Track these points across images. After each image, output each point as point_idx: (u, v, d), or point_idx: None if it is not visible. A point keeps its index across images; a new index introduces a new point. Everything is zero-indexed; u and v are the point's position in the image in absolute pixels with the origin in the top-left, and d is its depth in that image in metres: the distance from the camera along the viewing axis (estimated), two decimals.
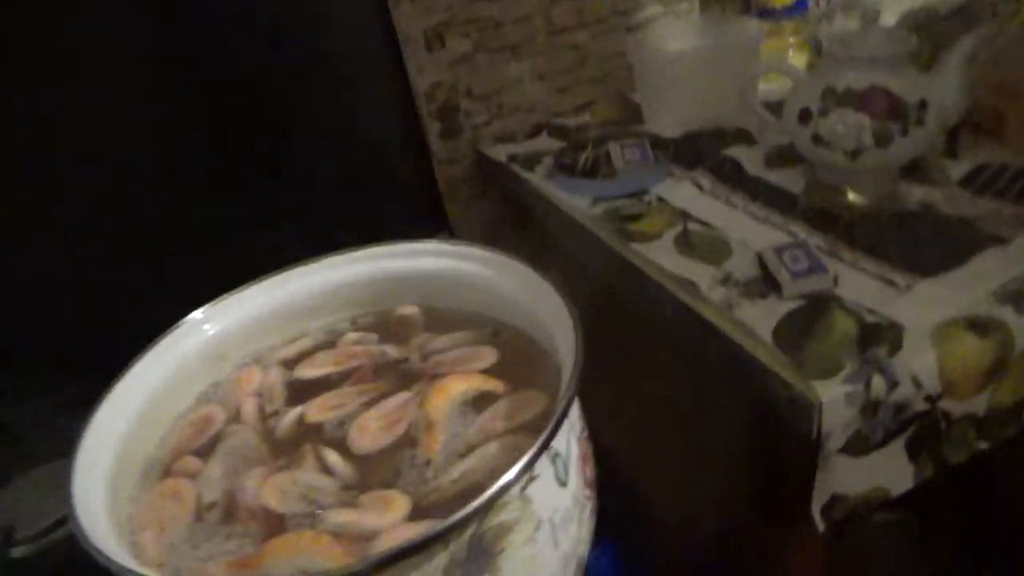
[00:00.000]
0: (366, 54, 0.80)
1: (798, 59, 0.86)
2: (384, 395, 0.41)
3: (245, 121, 0.76)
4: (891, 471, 0.53)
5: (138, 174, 0.71)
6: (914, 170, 0.68)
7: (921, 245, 0.59)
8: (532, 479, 0.32)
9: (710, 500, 0.65)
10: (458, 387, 0.39)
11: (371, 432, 0.39)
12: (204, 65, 0.73)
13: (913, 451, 0.53)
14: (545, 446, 0.31)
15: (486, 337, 0.43)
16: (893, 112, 0.62)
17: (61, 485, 0.59)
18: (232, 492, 0.37)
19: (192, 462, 0.39)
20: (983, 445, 0.56)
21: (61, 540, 0.56)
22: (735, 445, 0.61)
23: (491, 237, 0.97)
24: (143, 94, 0.71)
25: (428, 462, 0.36)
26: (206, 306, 0.43)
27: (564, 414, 0.32)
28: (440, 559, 0.29)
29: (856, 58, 0.64)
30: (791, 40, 0.87)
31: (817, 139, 0.65)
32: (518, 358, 0.41)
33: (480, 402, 0.39)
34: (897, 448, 0.53)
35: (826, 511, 0.53)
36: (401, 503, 0.33)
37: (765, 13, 0.90)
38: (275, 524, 0.35)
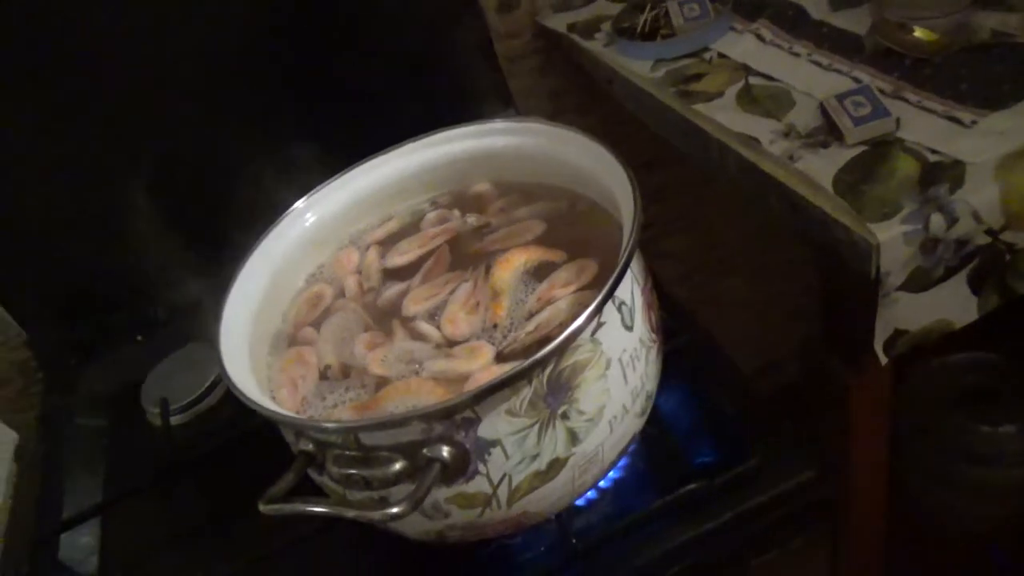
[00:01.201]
0: None
1: None
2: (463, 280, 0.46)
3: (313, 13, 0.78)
4: (954, 304, 0.55)
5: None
6: None
7: (991, 77, 0.58)
8: (601, 325, 0.36)
9: (782, 346, 0.69)
10: (519, 259, 0.43)
11: (460, 321, 0.43)
12: None
13: (976, 284, 0.55)
14: (608, 297, 0.35)
15: (553, 207, 0.47)
16: None
17: (202, 363, 0.69)
18: (344, 357, 0.44)
19: (310, 332, 0.46)
20: None
21: (207, 409, 0.66)
22: (803, 292, 0.63)
23: (557, 110, 0.98)
24: None
25: (495, 326, 0.41)
26: (305, 197, 0.48)
27: (626, 266, 0.36)
28: (525, 393, 0.35)
29: None
30: None
31: None
32: (579, 226, 0.45)
33: (541, 271, 0.43)
34: (959, 282, 0.55)
35: (889, 346, 0.56)
36: (487, 351, 0.39)
37: None
38: (384, 380, 0.41)
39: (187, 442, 0.62)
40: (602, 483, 0.45)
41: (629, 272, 0.38)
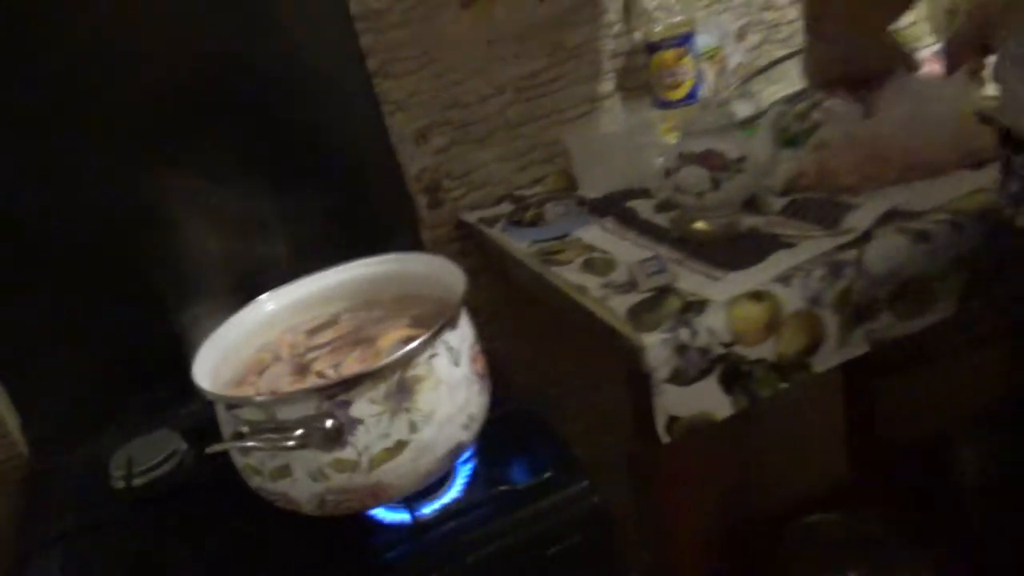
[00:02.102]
0: (367, 150, 1.12)
1: (675, 137, 1.16)
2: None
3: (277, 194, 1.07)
4: (712, 399, 0.79)
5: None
6: (751, 205, 0.96)
7: (740, 253, 0.87)
8: (434, 355, 0.60)
9: (601, 427, 0.91)
10: (396, 335, 0.67)
11: (351, 368, 0.66)
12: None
13: (726, 385, 0.80)
14: (433, 338, 0.59)
15: (424, 307, 0.72)
16: (721, 165, 0.91)
17: (164, 442, 0.88)
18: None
19: (253, 378, 0.68)
20: (784, 385, 0.82)
21: (168, 472, 0.84)
22: (617, 383, 0.87)
23: (471, 284, 1.26)
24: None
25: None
26: (268, 292, 0.73)
27: (448, 321, 0.60)
28: (381, 388, 0.57)
29: (696, 131, 0.94)
30: (675, 124, 1.17)
31: (676, 187, 0.94)
32: (436, 316, 0.69)
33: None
34: (713, 382, 0.79)
35: (668, 429, 0.79)
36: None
37: (665, 104, 1.21)
38: None
39: (146, 492, 0.81)
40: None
41: (458, 331, 0.62)
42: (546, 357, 1.26)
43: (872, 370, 1.49)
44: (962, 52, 0.95)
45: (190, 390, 0.61)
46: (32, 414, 0.96)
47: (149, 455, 0.85)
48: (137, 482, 0.83)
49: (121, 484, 0.83)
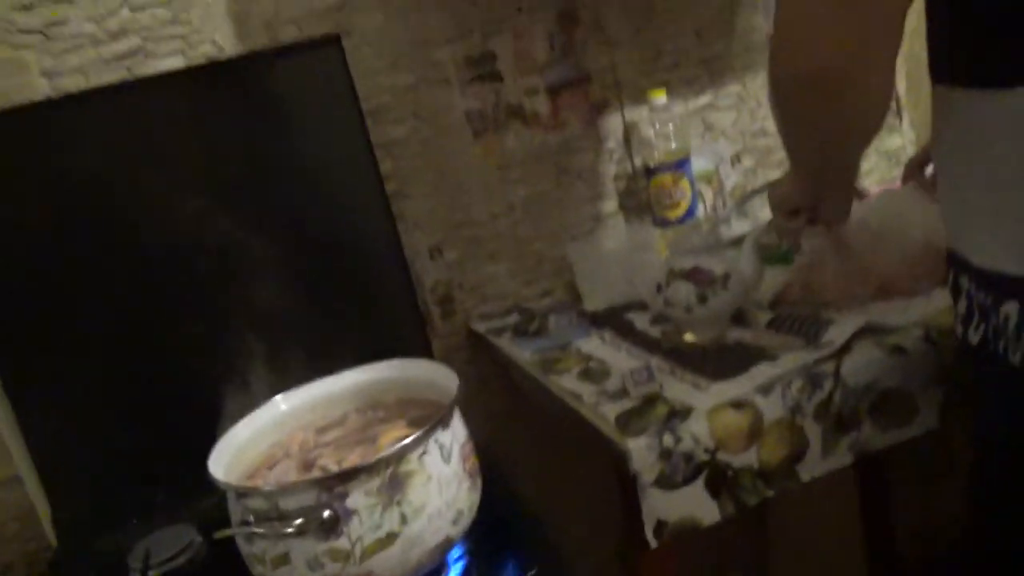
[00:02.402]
0: (384, 264, 1.21)
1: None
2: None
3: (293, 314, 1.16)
4: (699, 505, 0.83)
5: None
6: (739, 319, 1.02)
7: (725, 364, 0.92)
8: (425, 452, 0.65)
9: (597, 530, 0.94)
10: (395, 433, 0.73)
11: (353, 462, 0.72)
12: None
13: (713, 491, 0.83)
14: (426, 437, 0.65)
15: (423, 409, 0.78)
16: (707, 281, 0.98)
17: (180, 535, 0.93)
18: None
19: (265, 472, 0.74)
20: (770, 492, 0.85)
21: (182, 564, 0.89)
22: (610, 487, 0.91)
23: (481, 391, 1.32)
24: None
25: None
26: (283, 393, 0.80)
27: (440, 421, 0.66)
28: (375, 482, 0.62)
29: (685, 248, 1.01)
30: (672, 241, 1.26)
31: (666, 302, 1.01)
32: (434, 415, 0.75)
33: None
34: (699, 487, 0.83)
35: (657, 533, 0.82)
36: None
37: (664, 223, 1.29)
38: None
39: None
40: None
41: (449, 430, 0.68)
42: (549, 461, 1.30)
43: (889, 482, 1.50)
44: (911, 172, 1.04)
45: (209, 484, 0.67)
46: (62, 505, 1.02)
47: (166, 548, 0.90)
48: (153, 574, 0.88)
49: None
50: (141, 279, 1.07)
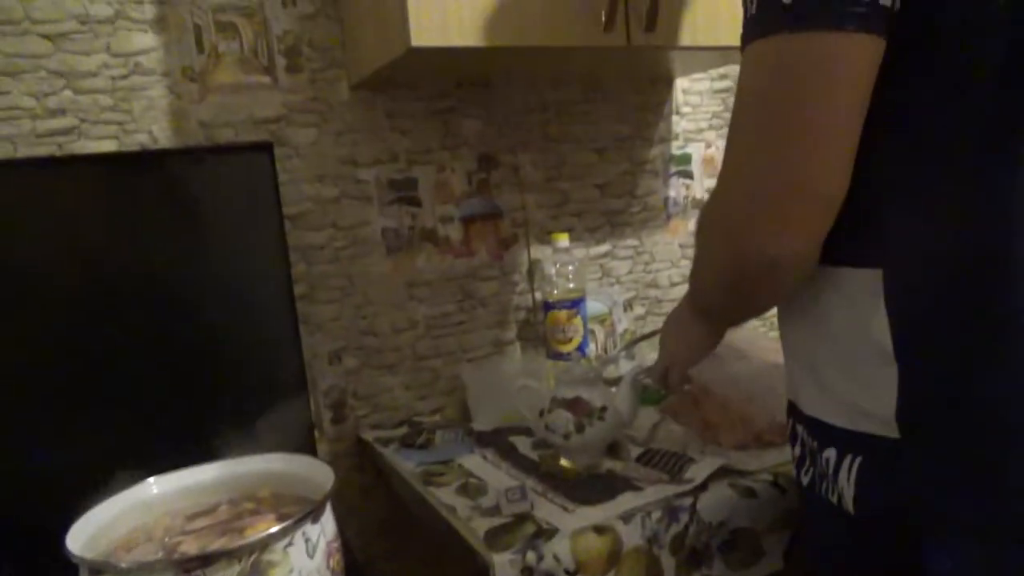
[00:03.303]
0: (281, 364, 1.23)
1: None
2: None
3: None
4: None
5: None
6: (613, 450, 1.09)
7: (595, 490, 0.98)
8: (291, 543, 0.67)
9: None
10: (263, 527, 0.74)
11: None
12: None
13: None
14: (295, 526, 0.66)
15: (296, 504, 0.80)
16: (586, 412, 1.05)
17: None
18: None
19: (123, 554, 0.73)
20: None
21: None
22: None
23: (364, 498, 1.32)
24: None
25: None
26: (155, 476, 0.80)
27: (310, 514, 0.68)
28: (236, 567, 0.63)
29: (567, 380, 1.08)
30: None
31: (547, 427, 1.07)
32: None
33: None
34: None
35: None
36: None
37: (556, 355, 1.38)
38: None
39: None
40: None
41: (319, 525, 0.70)
42: (422, 571, 1.29)
43: None
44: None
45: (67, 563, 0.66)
46: None
47: None
48: None
49: None
50: (27, 352, 1.05)
